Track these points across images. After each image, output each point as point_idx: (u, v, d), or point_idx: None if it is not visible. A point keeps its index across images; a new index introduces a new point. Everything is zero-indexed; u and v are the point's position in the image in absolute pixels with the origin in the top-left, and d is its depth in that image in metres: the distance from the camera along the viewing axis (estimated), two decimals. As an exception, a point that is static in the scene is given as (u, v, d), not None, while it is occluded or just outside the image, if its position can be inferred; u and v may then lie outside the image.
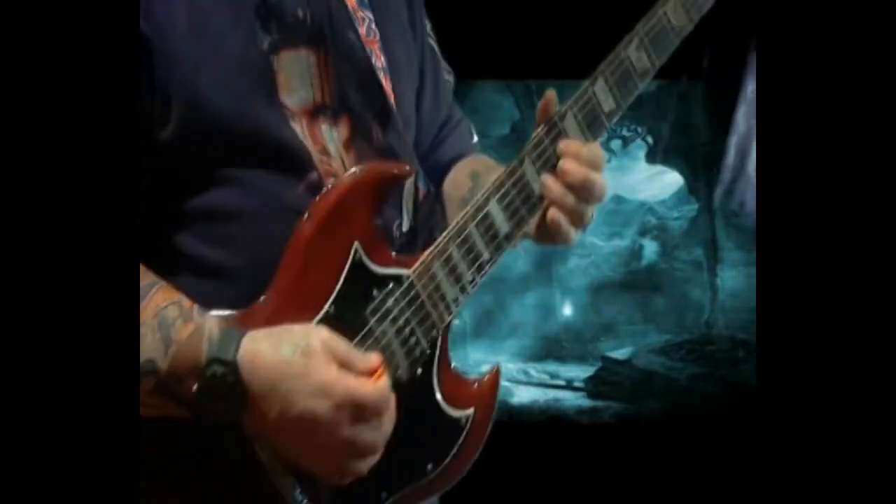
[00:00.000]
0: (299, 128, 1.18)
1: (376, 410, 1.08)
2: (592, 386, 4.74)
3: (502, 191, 1.21)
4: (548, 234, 1.24)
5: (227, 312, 1.10)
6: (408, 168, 1.21)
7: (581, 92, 1.23)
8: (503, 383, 1.33)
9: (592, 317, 4.91)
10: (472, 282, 1.22)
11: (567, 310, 4.92)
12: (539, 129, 1.22)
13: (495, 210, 1.21)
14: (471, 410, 1.25)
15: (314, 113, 1.20)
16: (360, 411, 1.07)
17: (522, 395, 4.60)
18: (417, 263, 1.19)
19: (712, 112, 4.75)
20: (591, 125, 1.23)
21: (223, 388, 1.03)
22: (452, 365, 1.25)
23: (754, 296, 1.04)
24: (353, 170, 1.17)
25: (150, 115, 1.11)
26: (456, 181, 1.42)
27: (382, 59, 1.28)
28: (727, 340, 4.79)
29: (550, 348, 4.85)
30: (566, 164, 1.20)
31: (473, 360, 4.55)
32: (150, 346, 1.04)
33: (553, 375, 4.78)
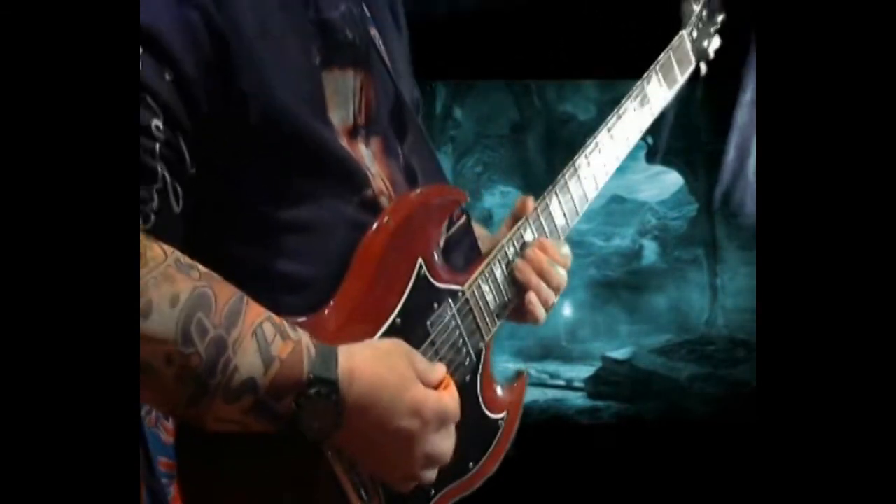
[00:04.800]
0: (345, 144, 1.19)
1: (455, 419, 1.16)
2: (592, 386, 4.74)
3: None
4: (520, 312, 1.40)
5: (296, 319, 1.11)
6: (465, 194, 1.31)
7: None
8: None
9: (592, 317, 4.91)
10: (510, 299, 1.36)
11: (567, 310, 4.91)
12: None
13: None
14: (505, 413, 1.38)
15: (352, 133, 1.20)
16: (444, 423, 1.14)
17: (523, 395, 4.58)
18: (470, 280, 1.30)
19: (712, 112, 4.75)
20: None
21: (325, 406, 1.05)
22: (491, 372, 1.35)
23: (754, 296, 1.05)
24: (419, 189, 1.25)
25: (222, 115, 1.08)
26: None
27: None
28: (727, 340, 4.78)
29: (550, 348, 4.84)
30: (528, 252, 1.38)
31: (473, 361, 4.53)
32: (250, 365, 1.03)
33: (553, 375, 4.78)
